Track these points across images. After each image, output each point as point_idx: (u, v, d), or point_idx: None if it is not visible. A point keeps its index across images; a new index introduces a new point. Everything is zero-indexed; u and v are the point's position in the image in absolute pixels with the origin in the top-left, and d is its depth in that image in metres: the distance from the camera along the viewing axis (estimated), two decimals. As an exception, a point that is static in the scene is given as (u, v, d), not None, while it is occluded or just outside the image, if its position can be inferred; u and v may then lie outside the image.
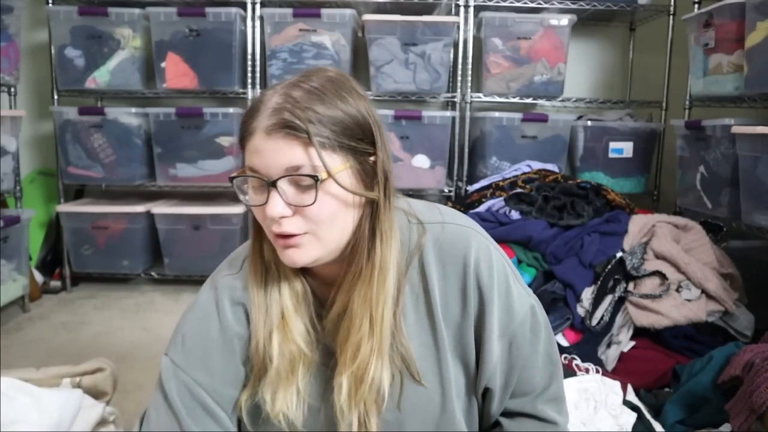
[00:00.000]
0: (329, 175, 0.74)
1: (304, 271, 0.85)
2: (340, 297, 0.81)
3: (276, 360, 0.80)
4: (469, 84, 2.95)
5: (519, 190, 2.33)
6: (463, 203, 2.46)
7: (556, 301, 1.94)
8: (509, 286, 0.85)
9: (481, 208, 2.31)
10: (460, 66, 2.95)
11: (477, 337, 0.85)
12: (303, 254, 0.76)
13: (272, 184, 0.73)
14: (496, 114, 2.84)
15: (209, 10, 2.79)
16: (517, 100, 2.94)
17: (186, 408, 0.81)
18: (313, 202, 0.73)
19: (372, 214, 0.79)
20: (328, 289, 0.85)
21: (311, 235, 0.76)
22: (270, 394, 0.81)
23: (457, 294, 0.83)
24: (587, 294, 1.93)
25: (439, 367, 0.84)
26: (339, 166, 0.75)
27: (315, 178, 0.73)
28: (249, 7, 2.87)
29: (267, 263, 0.83)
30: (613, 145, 2.88)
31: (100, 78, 2.90)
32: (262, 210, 0.76)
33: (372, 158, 0.78)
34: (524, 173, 2.51)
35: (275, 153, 0.73)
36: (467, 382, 0.87)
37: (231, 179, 0.77)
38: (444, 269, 0.83)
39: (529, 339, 0.86)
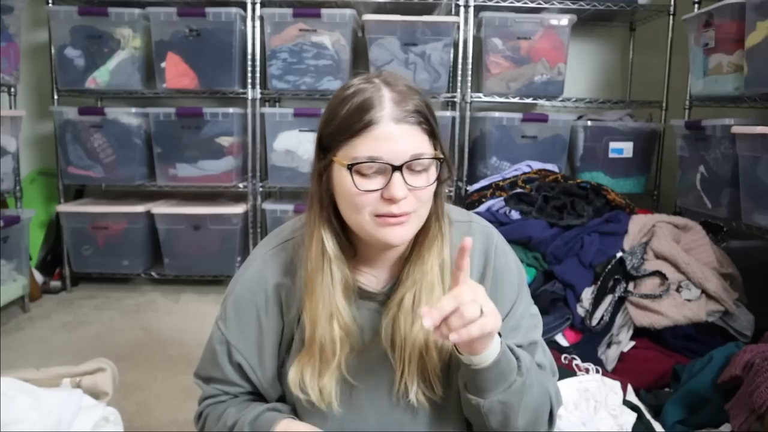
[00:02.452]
0: (444, 160, 0.86)
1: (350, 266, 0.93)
2: (411, 273, 0.91)
3: (322, 344, 0.89)
4: (469, 84, 2.95)
5: (519, 190, 2.33)
6: (463, 203, 2.46)
7: (556, 301, 1.94)
8: (522, 286, 0.99)
9: (481, 208, 2.31)
10: (460, 66, 2.95)
11: None
12: (407, 231, 0.86)
13: (398, 168, 0.82)
14: (496, 114, 2.84)
15: (209, 10, 2.79)
16: (517, 100, 2.94)
17: (230, 365, 0.96)
18: (431, 183, 0.85)
19: (434, 201, 0.90)
20: (375, 280, 0.95)
21: (414, 214, 0.85)
22: (310, 376, 0.90)
23: (473, 277, 0.93)
24: (587, 294, 1.93)
25: None
26: (440, 154, 0.87)
27: (441, 160, 0.85)
28: (249, 7, 2.87)
29: (327, 257, 0.89)
30: (613, 145, 2.88)
31: (100, 78, 2.90)
32: (369, 194, 0.83)
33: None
34: (524, 173, 2.51)
35: (403, 139, 0.82)
36: None
37: (350, 167, 0.82)
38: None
39: (526, 334, 0.97)
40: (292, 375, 0.91)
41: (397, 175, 0.82)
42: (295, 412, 0.97)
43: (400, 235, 0.85)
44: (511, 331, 0.95)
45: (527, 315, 0.98)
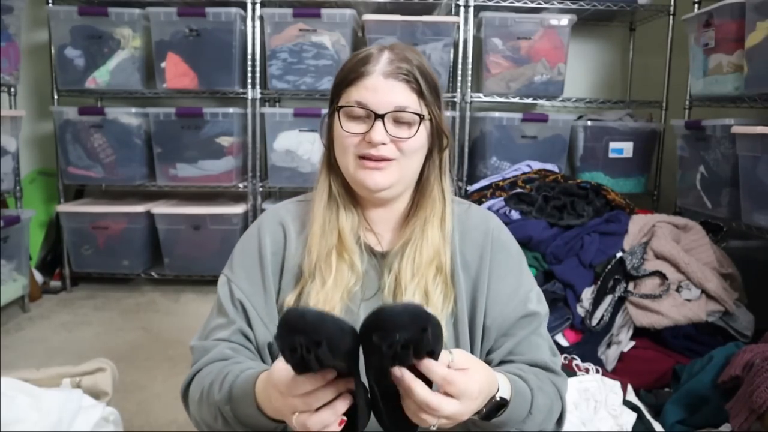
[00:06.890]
0: (432, 117, 0.94)
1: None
2: (411, 227, 0.97)
3: (327, 271, 0.95)
4: (469, 84, 2.95)
5: (519, 190, 2.33)
6: (463, 203, 2.46)
7: (556, 301, 1.94)
8: (523, 262, 1.02)
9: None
10: (460, 66, 2.95)
11: (487, 286, 0.98)
12: (385, 177, 0.93)
13: (380, 116, 0.90)
14: (496, 114, 2.84)
15: (209, 10, 2.79)
16: (517, 100, 2.94)
17: (231, 305, 0.98)
18: (412, 136, 0.92)
19: (432, 162, 0.98)
20: (378, 234, 1.01)
21: (396, 162, 0.93)
22: (315, 296, 0.94)
23: (475, 252, 0.99)
24: (587, 294, 1.93)
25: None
26: (427, 114, 0.94)
27: (420, 116, 0.92)
28: (249, 7, 2.87)
29: (333, 196, 0.98)
30: (613, 145, 2.88)
31: (100, 78, 2.90)
32: (356, 137, 0.92)
33: (433, 119, 0.96)
34: (524, 173, 2.51)
35: (389, 92, 0.91)
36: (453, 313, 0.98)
37: (338, 108, 0.93)
38: (464, 236, 1.00)
39: (529, 318, 0.98)
40: (290, 297, 0.95)
41: (378, 122, 0.90)
42: None
43: (377, 179, 0.92)
44: (522, 303, 0.98)
45: (535, 289, 1.02)
